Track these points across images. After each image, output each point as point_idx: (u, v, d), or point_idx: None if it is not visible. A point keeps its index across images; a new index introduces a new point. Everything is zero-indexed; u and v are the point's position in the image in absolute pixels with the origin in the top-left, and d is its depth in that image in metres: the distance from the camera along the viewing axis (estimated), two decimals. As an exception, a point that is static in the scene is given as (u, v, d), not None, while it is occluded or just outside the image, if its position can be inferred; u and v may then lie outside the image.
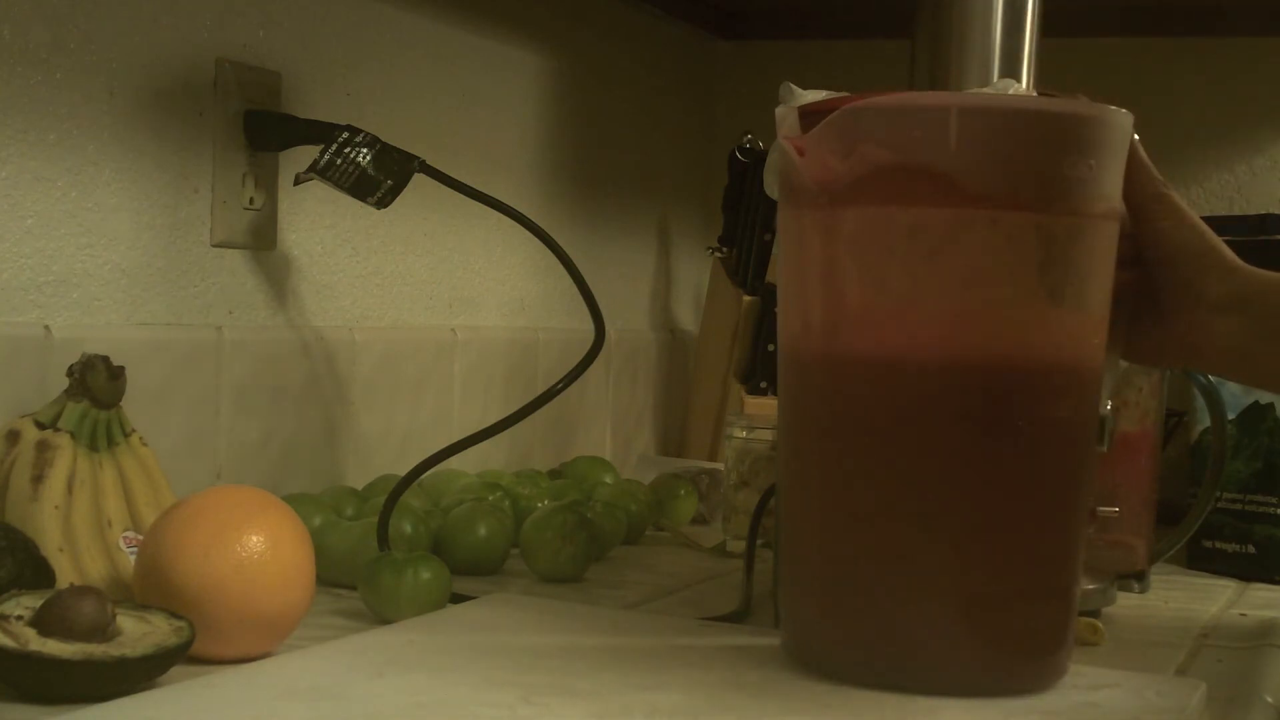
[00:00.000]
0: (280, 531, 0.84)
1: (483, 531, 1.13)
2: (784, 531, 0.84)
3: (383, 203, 1.13)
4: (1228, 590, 1.21)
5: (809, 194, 0.79)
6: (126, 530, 0.91)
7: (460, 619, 0.91)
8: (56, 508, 0.88)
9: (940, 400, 0.77)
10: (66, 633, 0.74)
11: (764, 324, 1.61)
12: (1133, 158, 0.83)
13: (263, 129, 1.15)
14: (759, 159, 1.62)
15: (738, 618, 1.00)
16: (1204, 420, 1.28)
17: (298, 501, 1.09)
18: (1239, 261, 0.87)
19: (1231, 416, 1.24)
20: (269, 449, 1.17)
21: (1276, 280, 0.86)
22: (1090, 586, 1.04)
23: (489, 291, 1.48)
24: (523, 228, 1.15)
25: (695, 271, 1.88)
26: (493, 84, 1.48)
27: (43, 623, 0.74)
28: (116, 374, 0.93)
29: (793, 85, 0.81)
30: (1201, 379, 1.20)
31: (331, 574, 1.03)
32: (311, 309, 1.24)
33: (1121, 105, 0.80)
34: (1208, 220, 0.92)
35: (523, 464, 1.48)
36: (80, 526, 0.89)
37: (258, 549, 0.83)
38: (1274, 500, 1.25)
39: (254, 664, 0.79)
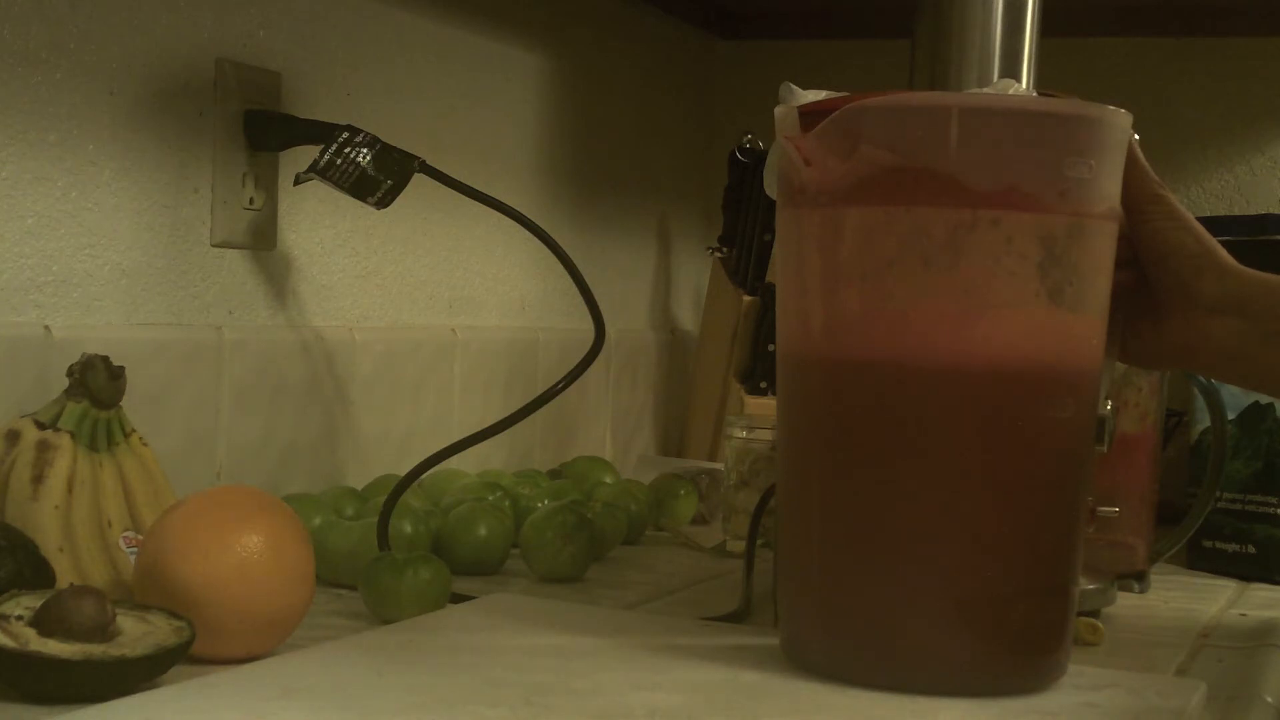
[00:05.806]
0: (280, 531, 0.84)
1: (483, 531, 1.13)
2: (783, 531, 0.84)
3: (383, 203, 1.13)
4: (1228, 590, 1.21)
5: (809, 194, 0.79)
6: (126, 530, 0.91)
7: (460, 619, 0.91)
8: (56, 508, 0.88)
9: (940, 401, 0.77)
10: (66, 633, 0.74)
11: (764, 324, 1.61)
12: (1130, 158, 0.83)
13: (263, 129, 1.15)
14: (759, 159, 1.62)
15: (738, 618, 0.99)
16: (1204, 420, 1.28)
17: (298, 501, 1.09)
18: (1234, 263, 0.87)
19: (1231, 416, 1.24)
20: (269, 449, 1.17)
21: (1272, 281, 0.86)
22: (1090, 586, 1.04)
23: (489, 291, 1.48)
24: (523, 228, 1.15)
25: (695, 271, 1.88)
26: (493, 84, 1.48)
27: (43, 623, 0.74)
28: (116, 374, 0.93)
29: (793, 85, 0.81)
30: (1201, 379, 1.20)
31: (331, 574, 1.03)
32: (311, 309, 1.24)
33: (1121, 105, 0.80)
34: (1207, 220, 0.92)
35: (523, 464, 1.48)
36: (80, 526, 0.89)
37: (258, 549, 0.83)
38: (1274, 500, 1.25)
39: (254, 664, 0.79)
